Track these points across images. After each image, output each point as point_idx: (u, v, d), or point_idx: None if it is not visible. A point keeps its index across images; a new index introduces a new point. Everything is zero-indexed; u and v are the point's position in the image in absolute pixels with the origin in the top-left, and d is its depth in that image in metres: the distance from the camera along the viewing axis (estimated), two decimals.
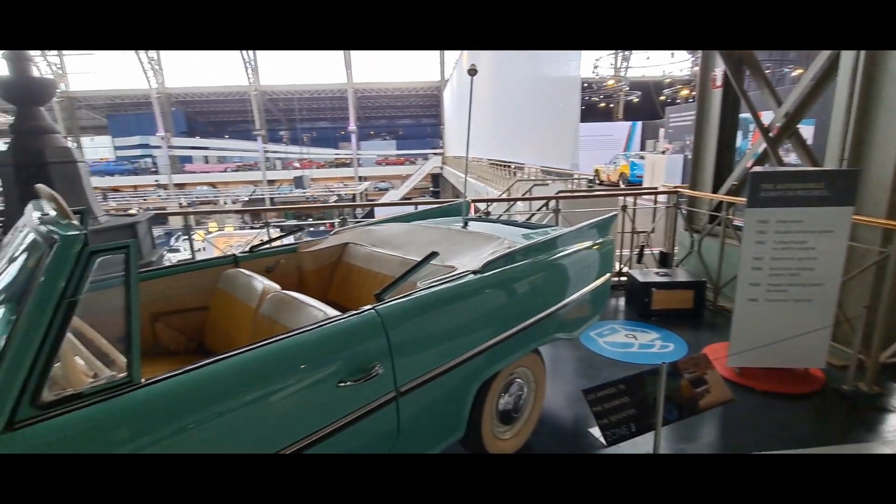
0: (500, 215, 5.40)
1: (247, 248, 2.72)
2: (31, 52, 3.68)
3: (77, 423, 1.08)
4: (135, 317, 1.18)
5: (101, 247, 1.15)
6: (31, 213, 1.43)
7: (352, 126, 35.53)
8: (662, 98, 27.82)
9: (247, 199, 30.29)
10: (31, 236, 1.31)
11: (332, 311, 1.71)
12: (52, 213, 1.38)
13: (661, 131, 20.02)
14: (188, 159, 36.38)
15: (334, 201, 27.69)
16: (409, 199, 27.42)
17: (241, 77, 33.39)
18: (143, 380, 1.19)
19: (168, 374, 1.23)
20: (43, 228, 1.22)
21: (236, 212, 19.37)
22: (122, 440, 1.13)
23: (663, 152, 17.53)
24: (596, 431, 2.59)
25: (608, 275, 3.04)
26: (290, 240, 2.99)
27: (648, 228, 5.56)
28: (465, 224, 3.00)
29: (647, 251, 5.38)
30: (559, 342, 3.58)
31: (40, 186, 1.55)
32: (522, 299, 2.30)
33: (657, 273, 4.60)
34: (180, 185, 32.95)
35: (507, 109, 16.61)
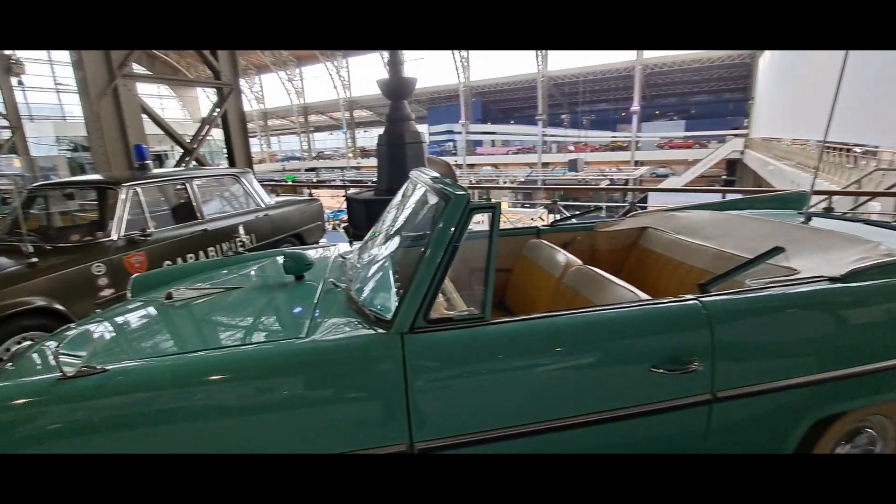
0: (844, 213, 4.12)
1: (548, 223, 2.93)
2: (402, 56, 4.87)
3: (447, 340, 1.39)
4: (492, 265, 1.43)
5: (477, 204, 1.42)
6: (422, 177, 1.90)
7: (634, 106, 33.29)
8: None
9: (522, 179, 32.64)
10: (424, 192, 1.73)
11: (642, 294, 1.67)
12: (435, 176, 1.79)
13: None
14: (479, 143, 41.65)
15: (605, 185, 26.83)
16: (695, 187, 23.99)
17: (530, 65, 35.61)
18: (491, 319, 1.44)
19: (510, 319, 1.44)
20: (437, 187, 1.60)
21: (511, 188, 21.13)
22: (476, 361, 1.40)
23: None
24: None
25: None
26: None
27: None
28: (808, 219, 2.41)
29: None
30: None
31: (432, 156, 2.04)
32: None
33: None
34: (471, 166, 38.18)
35: (862, 72, 12.26)
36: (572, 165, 31.81)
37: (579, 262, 2.17)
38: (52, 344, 1.82)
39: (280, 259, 2.16)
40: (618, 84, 36.65)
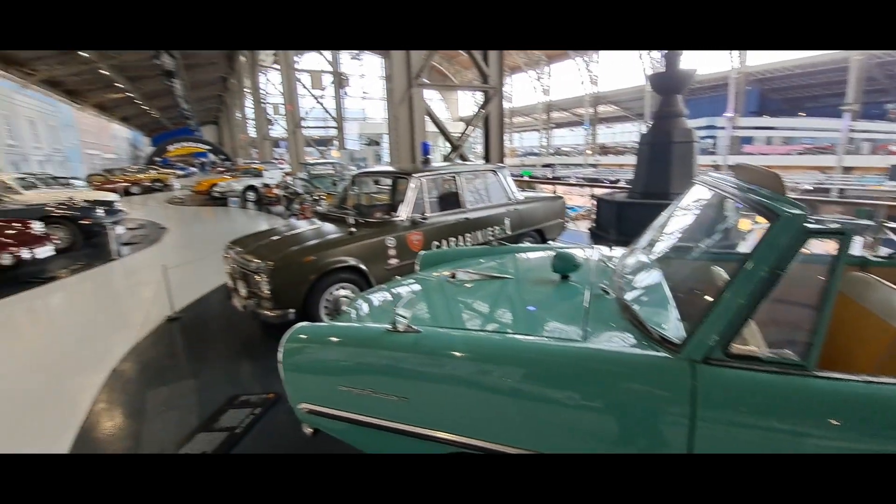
0: None
1: (883, 253, 2.20)
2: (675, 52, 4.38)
3: (754, 383, 1.19)
4: (829, 305, 1.15)
5: (819, 228, 1.15)
6: (724, 185, 1.67)
7: None
8: None
9: (808, 188, 25.75)
10: (722, 202, 1.51)
11: None
12: (748, 187, 1.54)
13: None
14: (748, 140, 34.72)
15: None
16: None
17: None
18: (817, 371, 1.16)
19: (849, 377, 1.14)
20: (754, 200, 1.37)
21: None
22: (794, 419, 1.16)
23: None
24: None
25: None
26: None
27: None
28: None
29: None
30: None
31: (747, 164, 1.77)
32: None
33: None
34: (734, 168, 32.22)
35: None
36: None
37: None
38: (362, 303, 2.29)
39: (543, 254, 2.24)
40: None
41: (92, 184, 18.44)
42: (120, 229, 8.85)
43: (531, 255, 2.59)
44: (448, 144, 7.44)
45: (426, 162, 5.12)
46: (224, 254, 4.25)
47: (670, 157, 4.08)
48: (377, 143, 44.44)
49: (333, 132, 16.67)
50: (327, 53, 16.59)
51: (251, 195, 14.67)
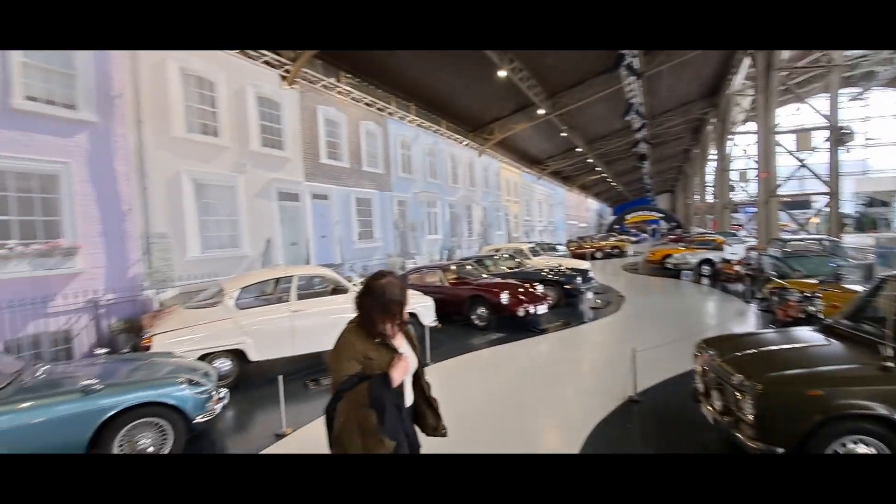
0: None
1: None
2: None
3: None
4: None
5: None
6: None
7: None
8: None
9: None
10: None
11: None
12: None
13: None
14: None
15: None
16: None
17: None
18: None
19: None
20: None
21: None
22: None
23: None
24: None
25: None
26: None
27: None
28: None
29: None
30: None
31: None
32: None
33: None
34: None
35: None
36: None
37: None
38: None
39: None
40: None
41: (568, 248, 22.97)
42: (590, 295, 10.43)
43: None
44: None
45: None
46: (695, 352, 4.08)
47: None
48: (886, 204, 32.87)
49: (825, 199, 13.47)
50: (820, 106, 13.76)
51: (706, 269, 13.93)
